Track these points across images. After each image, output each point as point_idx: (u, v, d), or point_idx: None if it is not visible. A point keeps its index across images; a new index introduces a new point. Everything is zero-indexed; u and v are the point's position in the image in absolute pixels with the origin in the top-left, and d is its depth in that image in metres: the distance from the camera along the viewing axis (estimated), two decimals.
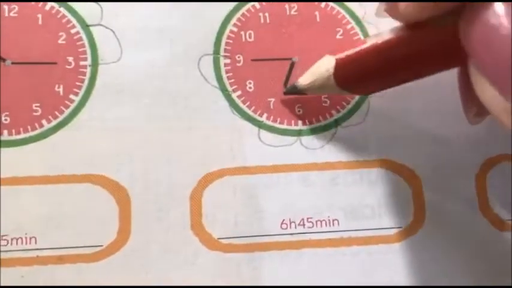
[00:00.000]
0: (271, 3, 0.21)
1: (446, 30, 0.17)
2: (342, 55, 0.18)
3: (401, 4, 0.17)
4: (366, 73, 0.18)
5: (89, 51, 0.20)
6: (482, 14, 0.15)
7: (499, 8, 0.14)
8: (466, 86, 0.18)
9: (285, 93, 0.21)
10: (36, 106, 0.19)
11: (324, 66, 0.19)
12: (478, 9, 0.15)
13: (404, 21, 0.18)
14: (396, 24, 0.18)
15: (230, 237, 0.19)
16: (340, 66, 0.18)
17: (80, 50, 0.20)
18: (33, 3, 0.20)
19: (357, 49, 0.18)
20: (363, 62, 0.18)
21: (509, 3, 0.14)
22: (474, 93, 0.16)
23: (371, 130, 0.21)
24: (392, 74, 0.18)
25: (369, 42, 0.18)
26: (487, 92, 0.15)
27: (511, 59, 0.14)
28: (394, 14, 0.17)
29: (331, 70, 0.19)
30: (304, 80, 0.20)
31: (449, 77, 0.21)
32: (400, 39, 0.18)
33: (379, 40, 0.18)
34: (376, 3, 0.19)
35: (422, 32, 0.17)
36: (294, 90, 0.20)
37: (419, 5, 0.16)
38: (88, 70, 0.20)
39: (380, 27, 0.21)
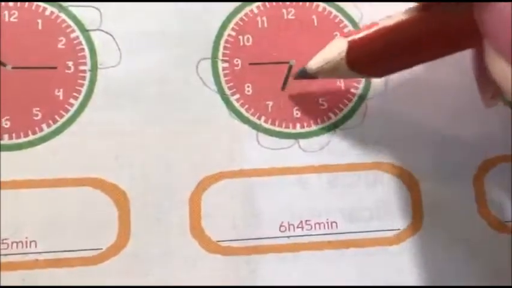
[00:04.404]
0: (268, 7, 0.21)
1: (460, 12, 0.16)
2: (354, 37, 0.18)
3: None
4: (378, 55, 0.18)
5: (88, 56, 0.20)
6: None
7: None
8: (481, 68, 0.18)
9: (295, 78, 0.20)
10: (36, 110, 0.20)
11: (336, 48, 0.18)
12: None
13: None
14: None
15: (229, 240, 0.19)
16: (352, 48, 0.18)
17: (80, 54, 0.20)
18: (33, 8, 0.20)
19: (369, 31, 0.18)
20: (376, 44, 0.18)
21: None
22: (490, 75, 0.16)
23: (369, 132, 0.21)
24: (405, 56, 0.18)
25: (381, 24, 0.18)
26: (501, 70, 0.15)
27: None
28: None
29: (343, 53, 0.18)
30: (314, 63, 0.19)
31: (446, 79, 0.21)
32: (413, 20, 0.17)
33: (391, 21, 0.18)
34: (374, 6, 0.19)
35: (435, 13, 0.17)
36: (304, 74, 0.20)
37: None
38: (87, 75, 0.20)
39: None
